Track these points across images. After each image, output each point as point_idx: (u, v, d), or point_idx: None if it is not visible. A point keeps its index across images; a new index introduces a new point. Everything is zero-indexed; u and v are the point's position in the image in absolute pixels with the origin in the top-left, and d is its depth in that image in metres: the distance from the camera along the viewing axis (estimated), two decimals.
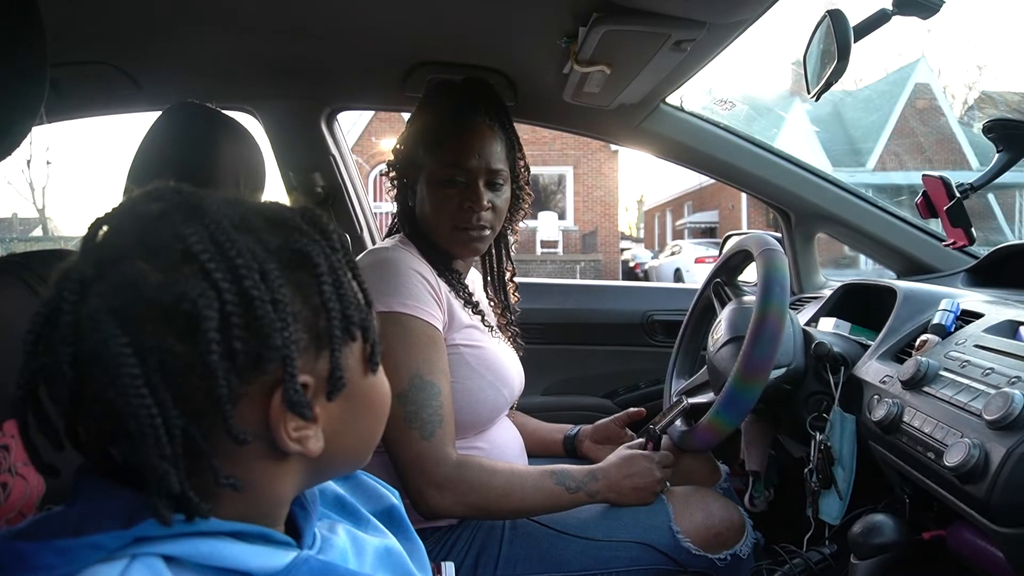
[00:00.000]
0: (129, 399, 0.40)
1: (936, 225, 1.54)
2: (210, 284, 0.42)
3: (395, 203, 1.26)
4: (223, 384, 0.42)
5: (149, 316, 0.41)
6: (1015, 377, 0.78)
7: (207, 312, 0.42)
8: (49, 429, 0.46)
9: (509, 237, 1.33)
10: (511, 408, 1.31)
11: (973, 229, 1.11)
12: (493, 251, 1.32)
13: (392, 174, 1.25)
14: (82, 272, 0.43)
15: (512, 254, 1.35)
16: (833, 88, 1.03)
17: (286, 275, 0.46)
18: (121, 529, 0.43)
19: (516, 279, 1.39)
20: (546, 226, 15.00)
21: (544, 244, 15.16)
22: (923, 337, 1.00)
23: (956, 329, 0.99)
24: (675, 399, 1.30)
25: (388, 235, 1.30)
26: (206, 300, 0.42)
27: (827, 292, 1.47)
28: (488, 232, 1.18)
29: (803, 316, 1.40)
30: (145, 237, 0.44)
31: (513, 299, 1.36)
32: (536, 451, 1.37)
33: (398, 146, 1.25)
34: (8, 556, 0.42)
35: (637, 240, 29.16)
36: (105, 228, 0.45)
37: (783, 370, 1.08)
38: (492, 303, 1.32)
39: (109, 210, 0.47)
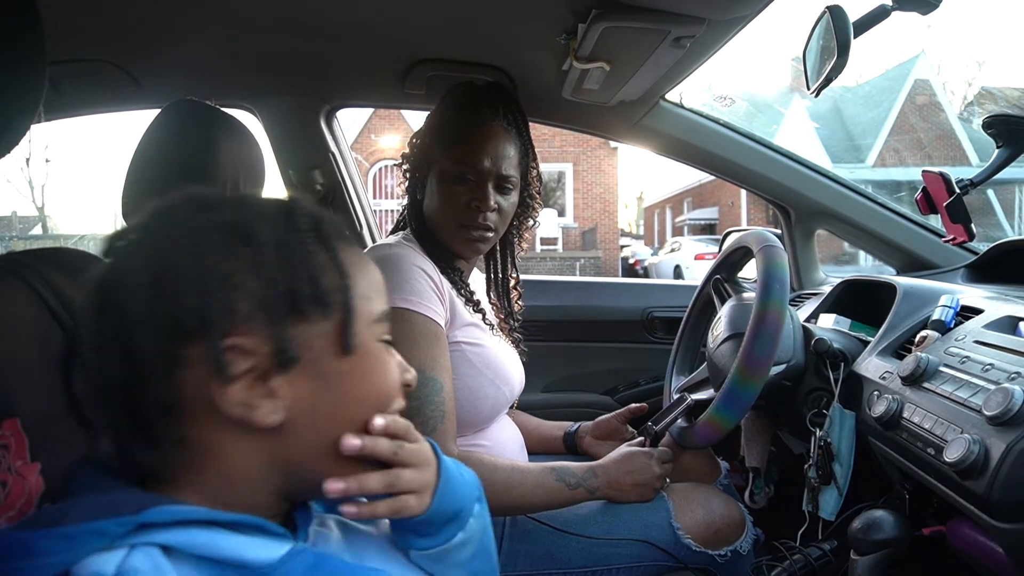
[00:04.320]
0: (86, 351, 0.49)
1: (936, 221, 1.54)
2: (144, 252, 0.49)
3: (405, 196, 1.26)
4: (146, 340, 0.47)
5: (114, 284, 0.49)
6: (1015, 373, 0.78)
7: (135, 274, 0.48)
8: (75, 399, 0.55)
9: (515, 244, 1.32)
10: (511, 406, 1.31)
11: (973, 225, 1.11)
12: (498, 255, 1.32)
13: (405, 167, 1.25)
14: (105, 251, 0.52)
15: (517, 261, 1.35)
16: (833, 84, 1.03)
17: (232, 248, 0.49)
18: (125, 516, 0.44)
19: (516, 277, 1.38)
20: (546, 223, 15.00)
21: (544, 241, 15.17)
22: (923, 333, 1.00)
23: (956, 325, 0.99)
24: (676, 396, 1.30)
25: (393, 231, 1.30)
26: (134, 267, 0.49)
27: (827, 288, 1.47)
28: (492, 234, 1.18)
29: (803, 312, 1.40)
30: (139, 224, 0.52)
31: (517, 306, 1.36)
32: (537, 448, 1.38)
33: (414, 140, 1.25)
34: (9, 544, 0.42)
35: (637, 237, 29.12)
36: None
37: (783, 366, 1.08)
38: (495, 307, 1.32)
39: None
